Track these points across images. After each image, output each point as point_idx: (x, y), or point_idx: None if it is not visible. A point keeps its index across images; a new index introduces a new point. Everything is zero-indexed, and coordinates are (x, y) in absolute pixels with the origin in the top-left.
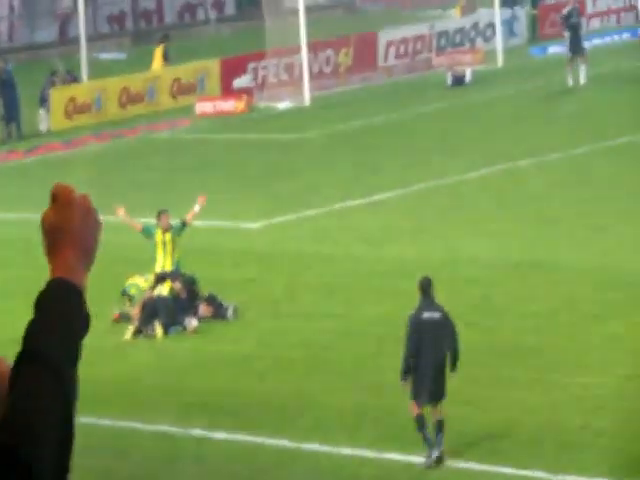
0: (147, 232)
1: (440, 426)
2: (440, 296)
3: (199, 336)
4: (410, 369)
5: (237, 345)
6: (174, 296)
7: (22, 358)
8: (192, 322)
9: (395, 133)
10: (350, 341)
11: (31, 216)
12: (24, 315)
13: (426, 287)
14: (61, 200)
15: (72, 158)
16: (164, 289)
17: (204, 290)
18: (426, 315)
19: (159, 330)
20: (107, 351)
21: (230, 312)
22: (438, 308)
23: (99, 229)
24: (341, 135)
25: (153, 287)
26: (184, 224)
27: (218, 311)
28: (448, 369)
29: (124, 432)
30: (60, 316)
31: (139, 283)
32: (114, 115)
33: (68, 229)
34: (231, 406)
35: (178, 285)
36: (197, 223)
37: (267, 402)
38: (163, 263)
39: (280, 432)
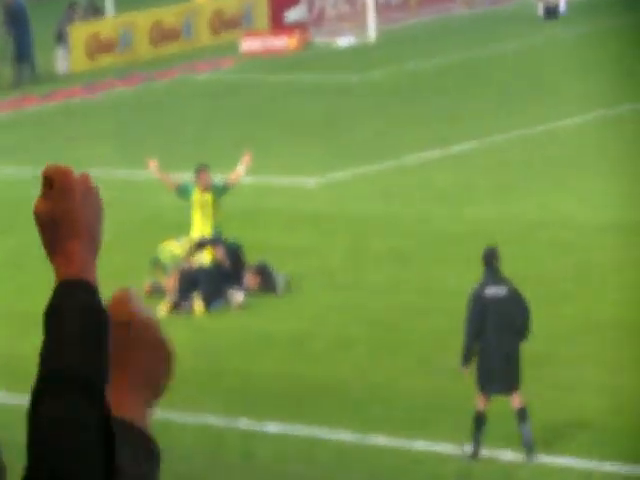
0: (183, 191)
1: (522, 415)
2: (527, 264)
3: (245, 312)
4: (471, 354)
5: (289, 323)
6: (216, 265)
7: (43, 387)
8: (237, 295)
9: (475, 74)
10: (423, 318)
11: None
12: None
13: (490, 258)
14: (58, 186)
15: (95, 105)
16: (204, 257)
17: (251, 259)
18: (490, 291)
19: (199, 305)
20: None
21: (281, 284)
22: (505, 283)
23: (102, 210)
24: (412, 76)
25: (191, 255)
26: (226, 187)
27: (267, 283)
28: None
29: (159, 425)
30: (80, 326)
31: (174, 250)
32: (144, 54)
33: (71, 219)
34: (283, 394)
35: (220, 253)
36: (243, 181)
37: (325, 389)
38: (202, 228)
39: (341, 424)
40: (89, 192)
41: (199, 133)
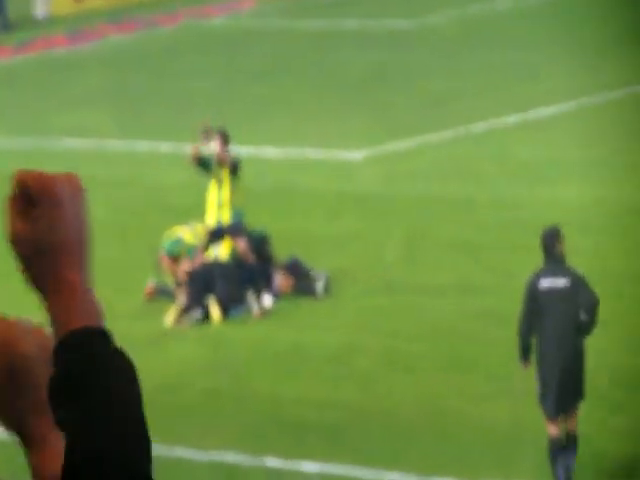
0: (206, 161)
1: (571, 442)
2: (627, 256)
3: (273, 320)
4: (528, 351)
5: (330, 333)
6: (236, 261)
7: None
8: (264, 300)
9: (559, 18)
10: (501, 327)
11: (23, 141)
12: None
13: (550, 242)
14: (43, 201)
15: (82, 57)
16: (222, 250)
17: (281, 253)
18: (546, 282)
19: (215, 311)
20: (138, 343)
21: (320, 285)
22: (567, 272)
23: (88, 217)
24: (478, 20)
25: (205, 247)
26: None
27: (302, 283)
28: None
29: (167, 462)
30: (104, 394)
31: (185, 237)
32: None
33: (62, 242)
34: (321, 424)
35: (242, 245)
36: (270, 153)
37: (374, 418)
38: (219, 212)
39: (396, 463)
40: (77, 200)
41: (213, 93)
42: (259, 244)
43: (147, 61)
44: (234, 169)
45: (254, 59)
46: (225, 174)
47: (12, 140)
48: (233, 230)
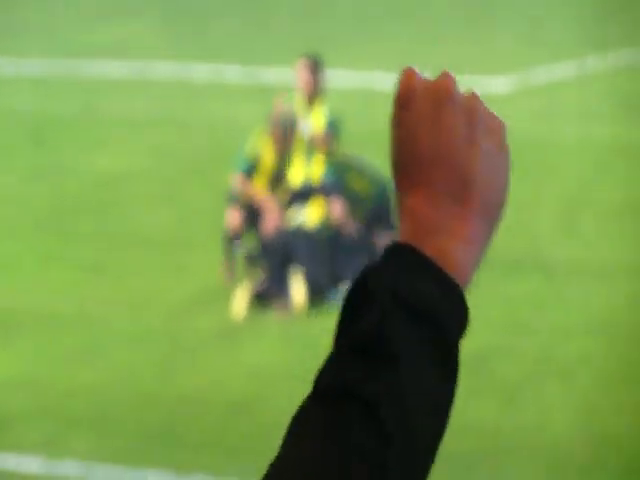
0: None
1: None
2: None
3: None
4: None
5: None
6: (328, 228)
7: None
8: None
9: None
10: None
11: (43, 64)
12: None
13: None
14: (400, 107)
15: None
16: (310, 214)
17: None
18: None
19: (299, 292)
20: (198, 343)
21: None
22: None
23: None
24: None
25: (285, 208)
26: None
27: None
28: None
29: None
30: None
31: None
32: None
33: (401, 159)
34: (457, 451)
35: (339, 208)
36: (380, 82)
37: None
38: (308, 164)
39: None
40: (440, 114)
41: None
42: (374, 201)
43: None
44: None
45: None
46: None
47: (29, 63)
48: (327, 188)
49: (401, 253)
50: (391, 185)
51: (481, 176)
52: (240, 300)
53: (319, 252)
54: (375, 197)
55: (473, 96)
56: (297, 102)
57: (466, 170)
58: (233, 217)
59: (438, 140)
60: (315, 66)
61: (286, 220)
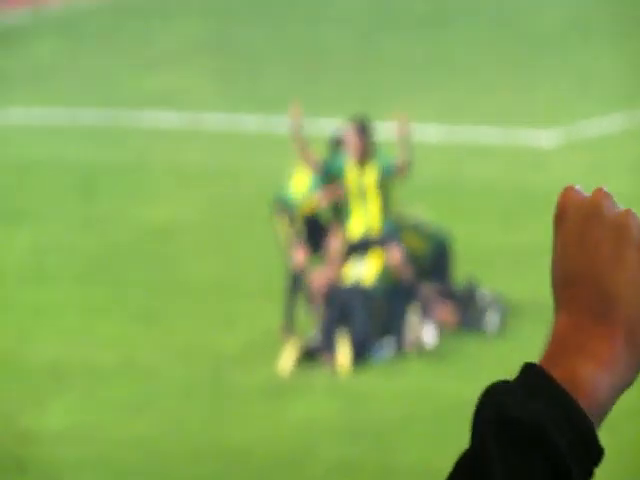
0: (331, 170)
1: None
2: None
3: (432, 364)
4: None
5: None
6: (387, 280)
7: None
8: (425, 332)
9: None
10: None
11: (88, 113)
12: None
13: None
14: (558, 219)
15: (172, 1)
16: (367, 269)
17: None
18: None
19: (344, 355)
20: (246, 399)
21: (493, 317)
22: None
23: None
24: None
25: (341, 264)
26: (391, 171)
27: (469, 313)
28: None
29: None
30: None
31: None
32: None
33: (556, 272)
34: None
35: (398, 255)
36: (429, 134)
37: None
38: (366, 219)
39: None
40: (591, 227)
41: (349, 48)
42: (438, 249)
43: (260, 5)
44: (389, 173)
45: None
46: (370, 177)
47: (72, 112)
48: (386, 239)
49: (528, 373)
50: (447, 240)
51: (627, 296)
52: (288, 357)
53: (375, 311)
54: (430, 254)
55: (627, 212)
56: (348, 164)
57: (610, 289)
58: (298, 254)
59: (583, 256)
60: (363, 129)
61: (344, 274)
